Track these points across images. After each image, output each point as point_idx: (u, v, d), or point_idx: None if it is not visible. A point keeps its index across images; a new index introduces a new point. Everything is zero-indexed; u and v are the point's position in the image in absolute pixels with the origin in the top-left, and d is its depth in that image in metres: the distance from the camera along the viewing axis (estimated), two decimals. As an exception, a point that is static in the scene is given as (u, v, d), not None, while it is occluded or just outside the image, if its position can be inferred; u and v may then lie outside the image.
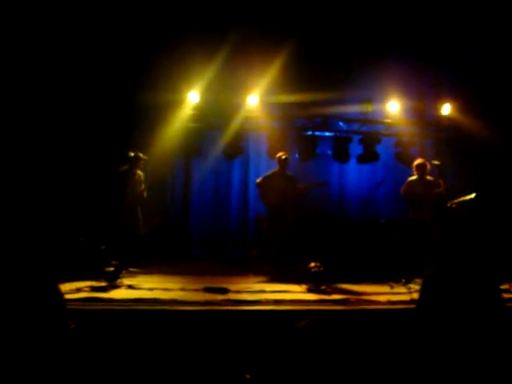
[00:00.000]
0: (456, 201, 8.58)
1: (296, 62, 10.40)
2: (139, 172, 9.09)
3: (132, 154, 8.94)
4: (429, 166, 8.91)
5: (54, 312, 1.96)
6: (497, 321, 2.05)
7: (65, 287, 6.45)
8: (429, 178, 8.88)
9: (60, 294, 2.07)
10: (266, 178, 9.02)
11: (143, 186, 9.07)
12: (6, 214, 7.99)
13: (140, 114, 10.24)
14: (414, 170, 8.89)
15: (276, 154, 9.47)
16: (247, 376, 2.25)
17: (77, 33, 9.31)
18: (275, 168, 9.05)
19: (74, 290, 6.54)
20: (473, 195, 8.82)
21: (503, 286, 7.35)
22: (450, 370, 1.95)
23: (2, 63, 8.53)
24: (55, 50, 9.19)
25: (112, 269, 7.05)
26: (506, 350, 1.99)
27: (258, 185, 9.10)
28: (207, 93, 10.63)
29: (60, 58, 9.28)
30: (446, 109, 11.29)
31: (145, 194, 9.08)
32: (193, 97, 10.50)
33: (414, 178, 8.87)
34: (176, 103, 10.57)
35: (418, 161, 9.00)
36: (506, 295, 6.84)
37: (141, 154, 9.04)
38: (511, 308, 2.24)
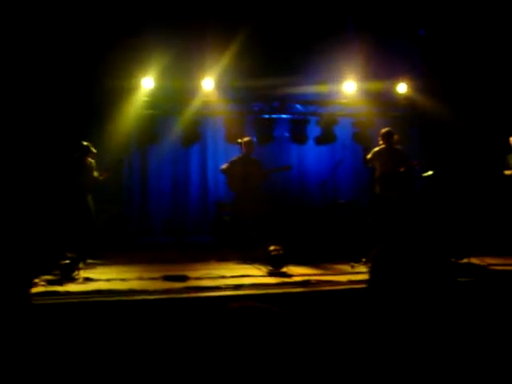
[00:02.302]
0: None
1: (251, 45, 10.28)
2: (90, 159, 8.88)
3: (85, 144, 8.73)
4: (396, 136, 8.86)
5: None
6: (448, 295, 2.02)
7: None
8: (398, 147, 8.83)
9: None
10: (230, 164, 8.96)
11: (95, 173, 8.86)
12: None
13: (94, 101, 10.02)
14: (380, 138, 8.79)
15: (233, 138, 9.41)
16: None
17: (31, 17, 9.07)
18: (240, 153, 8.96)
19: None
20: (430, 172, 8.89)
21: (463, 261, 7.43)
22: (403, 348, 1.90)
23: None
24: (9, 36, 8.94)
25: (67, 261, 6.88)
26: (459, 324, 1.96)
27: (222, 171, 9.04)
28: (162, 78, 10.45)
29: (15, 43, 9.02)
30: (402, 87, 11.30)
31: (101, 178, 8.87)
32: (147, 83, 10.29)
33: (380, 147, 8.77)
34: (130, 90, 10.38)
35: (384, 129, 8.91)
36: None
37: (90, 146, 8.81)
38: (464, 283, 2.22)
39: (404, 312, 1.96)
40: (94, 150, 8.92)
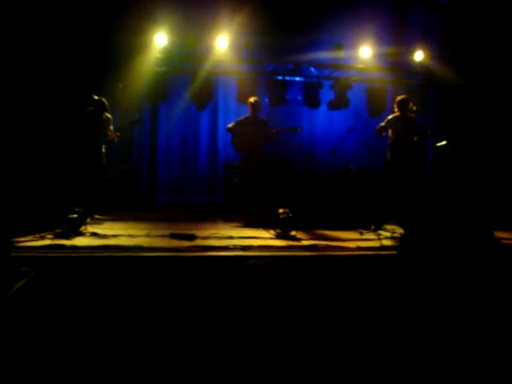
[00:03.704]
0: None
1: (267, 4, 10.12)
2: (107, 115, 8.76)
3: (96, 98, 8.61)
4: (411, 104, 8.72)
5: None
6: (491, 261, 1.95)
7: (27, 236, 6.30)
8: (411, 115, 8.69)
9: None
10: (237, 123, 8.86)
11: (112, 129, 8.75)
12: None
13: (108, 57, 9.90)
14: (395, 106, 8.65)
15: (245, 98, 9.29)
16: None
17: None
18: (247, 113, 8.86)
19: (38, 237, 6.37)
20: (444, 142, 8.78)
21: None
22: (440, 315, 1.84)
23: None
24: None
25: (75, 215, 6.85)
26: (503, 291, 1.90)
27: (228, 130, 8.93)
28: (175, 35, 10.29)
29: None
30: (419, 55, 11.12)
31: (115, 139, 8.76)
32: (160, 39, 10.14)
33: (395, 114, 8.63)
34: (143, 46, 10.23)
35: (400, 96, 8.77)
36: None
37: (104, 101, 8.69)
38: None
39: (441, 277, 1.89)
40: (107, 107, 8.78)
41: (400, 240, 2.20)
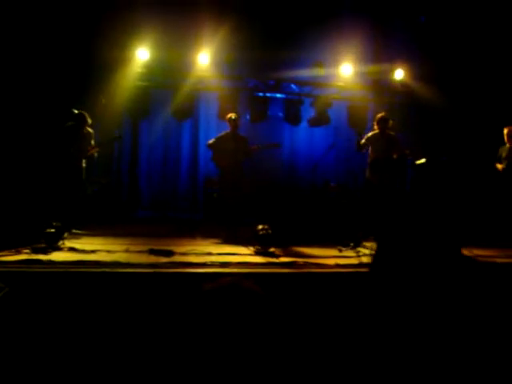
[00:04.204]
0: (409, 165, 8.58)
1: (248, 21, 10.18)
2: (89, 129, 8.73)
3: (76, 112, 8.59)
4: (391, 122, 8.77)
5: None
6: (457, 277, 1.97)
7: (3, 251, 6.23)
8: (391, 132, 8.74)
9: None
10: (217, 140, 8.87)
11: (93, 144, 8.72)
12: None
13: (89, 71, 9.88)
14: (375, 124, 8.71)
15: (226, 114, 9.32)
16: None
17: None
18: (227, 129, 8.88)
19: (13, 251, 6.30)
20: (423, 160, 8.85)
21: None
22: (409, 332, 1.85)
23: None
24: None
25: (53, 230, 6.78)
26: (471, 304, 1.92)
27: (209, 146, 8.94)
28: (157, 50, 10.32)
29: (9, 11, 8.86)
30: (399, 73, 11.24)
31: (95, 154, 8.72)
32: (142, 54, 10.15)
33: (374, 132, 8.69)
34: (125, 61, 10.24)
35: (380, 114, 8.84)
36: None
37: (85, 114, 8.67)
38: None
39: (409, 297, 1.90)
40: (89, 120, 8.76)
41: (372, 255, 2.22)
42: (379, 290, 2.02)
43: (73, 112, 8.59)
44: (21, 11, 8.98)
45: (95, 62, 9.74)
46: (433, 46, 11.25)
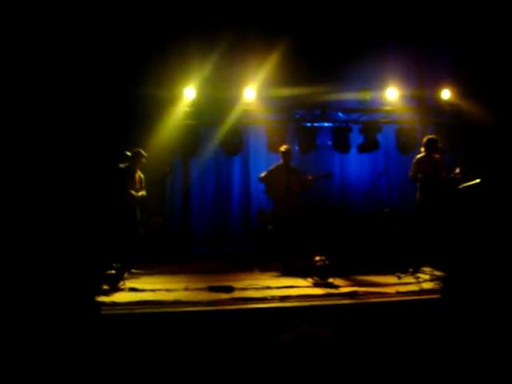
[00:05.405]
0: (462, 186, 8.40)
1: (292, 54, 10.24)
2: (139, 172, 8.89)
3: (129, 154, 8.75)
4: (440, 144, 8.65)
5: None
6: None
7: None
8: (436, 156, 8.62)
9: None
10: (269, 172, 8.89)
11: (143, 185, 8.86)
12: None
13: (137, 111, 10.09)
14: (423, 145, 8.60)
15: (275, 147, 9.38)
16: None
17: (75, 28, 9.18)
18: (279, 161, 8.90)
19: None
20: (478, 180, 8.67)
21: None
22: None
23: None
24: (53, 46, 9.05)
25: (113, 271, 6.91)
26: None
27: (261, 179, 8.96)
28: (203, 88, 10.47)
29: (58, 53, 9.13)
30: (446, 94, 11.13)
31: (144, 193, 8.86)
32: (189, 93, 10.33)
33: (421, 155, 8.60)
34: (172, 100, 10.42)
35: (429, 136, 8.74)
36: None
37: (141, 151, 8.82)
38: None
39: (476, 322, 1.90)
40: (145, 154, 8.89)
41: (443, 283, 2.23)
42: (453, 313, 2.02)
43: (126, 154, 8.76)
44: (75, 51, 9.26)
45: (143, 100, 9.94)
46: (477, 63, 11.12)
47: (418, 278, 7.32)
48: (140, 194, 8.73)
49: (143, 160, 8.82)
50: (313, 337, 1.67)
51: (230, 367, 4.08)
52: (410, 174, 8.51)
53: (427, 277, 7.37)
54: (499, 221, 9.33)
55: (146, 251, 9.24)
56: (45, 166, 8.83)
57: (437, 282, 6.95)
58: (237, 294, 6.39)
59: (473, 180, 8.64)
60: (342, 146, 11.29)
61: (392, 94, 10.93)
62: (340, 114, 11.53)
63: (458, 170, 8.32)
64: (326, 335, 1.70)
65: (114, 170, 8.77)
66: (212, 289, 6.68)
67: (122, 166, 8.73)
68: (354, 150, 11.48)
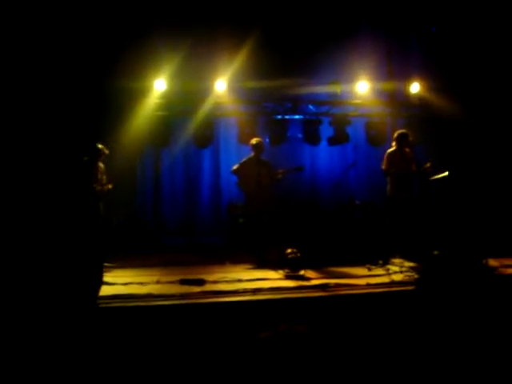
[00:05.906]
0: (431, 178, 8.55)
1: (263, 46, 10.21)
2: (100, 164, 8.83)
3: (100, 146, 8.68)
4: (411, 138, 8.77)
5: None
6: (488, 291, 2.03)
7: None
8: (407, 149, 8.74)
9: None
10: (241, 165, 8.92)
11: (105, 178, 8.80)
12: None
13: (107, 103, 9.95)
14: (394, 140, 8.72)
15: (246, 139, 9.39)
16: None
17: (46, 19, 9.03)
18: (250, 154, 8.93)
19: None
20: (446, 173, 8.81)
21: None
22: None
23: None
24: (24, 35, 8.90)
25: (84, 265, 6.85)
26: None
27: (234, 172, 8.99)
28: (174, 80, 10.38)
29: (28, 44, 8.98)
30: (415, 87, 11.21)
31: (110, 186, 8.80)
32: (159, 85, 10.26)
33: (392, 149, 8.72)
34: (143, 91, 10.32)
35: (400, 130, 8.87)
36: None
37: (105, 149, 8.76)
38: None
39: (450, 313, 1.95)
40: (106, 150, 8.85)
41: (419, 275, 2.30)
42: (428, 304, 2.07)
43: (97, 146, 8.68)
44: (39, 40, 9.11)
45: (113, 92, 9.83)
46: (447, 57, 11.22)
47: (388, 269, 7.41)
48: (106, 187, 8.67)
49: (104, 155, 8.78)
50: (291, 335, 1.69)
51: (205, 362, 4.10)
52: (383, 168, 8.61)
53: (397, 268, 7.47)
54: (468, 212, 9.49)
55: (116, 243, 9.18)
56: (8, 159, 8.69)
57: (407, 274, 7.06)
58: (208, 288, 6.41)
59: (442, 173, 8.79)
60: (312, 138, 11.33)
61: (362, 87, 10.98)
62: (310, 107, 11.56)
63: (428, 165, 8.45)
64: (305, 333, 1.72)
65: (79, 163, 8.68)
66: (184, 282, 6.68)
67: (85, 158, 8.65)
68: (324, 143, 11.52)
